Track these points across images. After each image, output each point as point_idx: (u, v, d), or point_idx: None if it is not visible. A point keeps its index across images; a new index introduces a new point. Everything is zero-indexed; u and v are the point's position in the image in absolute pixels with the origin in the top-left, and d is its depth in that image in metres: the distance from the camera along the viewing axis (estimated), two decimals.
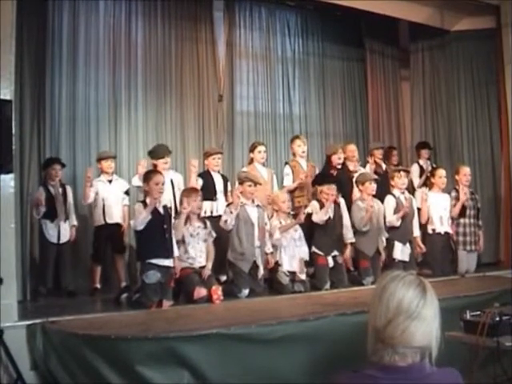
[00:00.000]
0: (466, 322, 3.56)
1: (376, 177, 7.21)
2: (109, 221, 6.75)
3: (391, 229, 7.04)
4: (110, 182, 6.88)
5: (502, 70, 8.46)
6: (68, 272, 6.64)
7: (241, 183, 6.39)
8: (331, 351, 4.22)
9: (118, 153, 7.66)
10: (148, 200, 5.58)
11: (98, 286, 6.74)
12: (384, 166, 8.25)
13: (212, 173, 7.05)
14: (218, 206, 6.84)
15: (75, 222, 6.81)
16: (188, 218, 5.96)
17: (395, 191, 7.16)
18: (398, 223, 6.99)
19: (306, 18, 9.54)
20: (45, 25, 7.12)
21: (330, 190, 6.63)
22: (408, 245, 7.08)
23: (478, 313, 3.55)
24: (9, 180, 4.63)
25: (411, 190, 8.00)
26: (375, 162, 8.24)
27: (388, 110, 9.99)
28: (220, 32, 8.70)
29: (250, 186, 6.32)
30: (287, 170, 7.44)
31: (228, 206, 6.42)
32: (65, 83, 7.44)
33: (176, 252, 5.71)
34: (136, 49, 8.01)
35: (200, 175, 6.98)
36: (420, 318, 1.72)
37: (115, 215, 6.80)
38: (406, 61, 10.04)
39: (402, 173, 7.26)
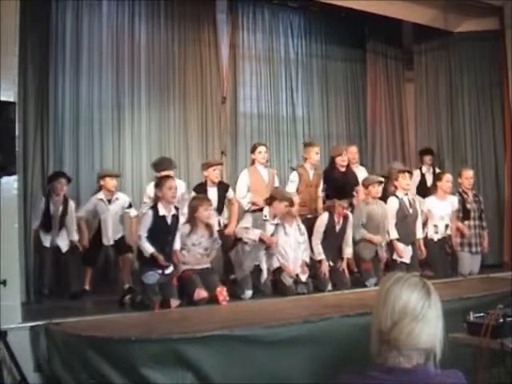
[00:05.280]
0: (470, 323, 3.55)
1: (381, 179, 7.18)
2: (105, 242, 6.68)
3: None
4: (110, 201, 6.74)
5: (505, 71, 8.45)
6: (71, 275, 6.62)
7: (279, 200, 6.30)
8: (335, 353, 4.22)
9: (121, 154, 7.70)
10: (160, 205, 5.59)
11: (87, 287, 6.67)
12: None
13: (208, 186, 6.80)
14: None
15: (75, 237, 6.68)
16: (195, 226, 5.96)
17: (398, 192, 7.12)
18: (393, 236, 6.99)
19: (309, 20, 9.54)
20: (48, 27, 7.14)
21: (340, 206, 6.64)
22: (410, 246, 7.08)
23: (482, 314, 3.54)
24: (12, 182, 4.64)
25: None
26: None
27: (391, 111, 9.99)
28: (223, 34, 8.71)
29: (286, 206, 6.29)
30: (294, 177, 7.24)
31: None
32: (68, 85, 7.46)
33: (178, 245, 5.77)
34: (139, 51, 8.02)
35: (195, 189, 6.80)
36: (425, 319, 1.72)
37: (111, 236, 6.68)
38: (409, 62, 10.05)
39: (406, 173, 7.22)
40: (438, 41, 9.38)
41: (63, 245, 6.59)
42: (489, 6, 8.45)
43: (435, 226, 7.33)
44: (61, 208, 6.60)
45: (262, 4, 9.11)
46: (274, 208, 6.32)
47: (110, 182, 6.74)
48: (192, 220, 5.97)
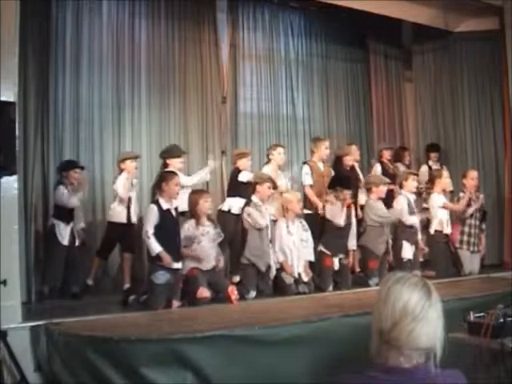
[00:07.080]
0: (470, 323, 3.55)
1: (388, 180, 7.27)
2: (134, 219, 6.62)
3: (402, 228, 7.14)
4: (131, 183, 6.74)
5: (505, 71, 8.43)
6: (79, 271, 6.61)
7: (260, 183, 6.42)
8: (335, 353, 4.21)
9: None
10: (161, 200, 5.63)
11: (91, 282, 6.65)
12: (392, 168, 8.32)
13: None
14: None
15: (83, 225, 6.80)
16: (199, 218, 5.98)
17: (407, 193, 7.24)
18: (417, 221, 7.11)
19: (310, 20, 9.53)
20: (48, 27, 7.12)
21: (346, 195, 6.67)
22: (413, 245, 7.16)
23: (482, 314, 3.54)
24: (12, 181, 4.64)
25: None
26: (383, 162, 8.27)
27: (391, 111, 9.99)
28: (223, 33, 8.70)
29: (269, 187, 6.40)
30: (307, 169, 7.38)
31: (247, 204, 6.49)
32: (68, 85, 7.44)
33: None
34: (139, 50, 8.00)
35: (235, 174, 7.07)
36: (425, 319, 1.72)
37: (136, 215, 6.69)
38: (409, 62, 10.06)
39: (415, 176, 7.43)
40: (438, 40, 9.38)
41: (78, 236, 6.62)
42: (489, 5, 8.43)
43: (447, 219, 7.47)
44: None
45: (262, 4, 9.10)
46: (259, 192, 6.38)
47: (131, 165, 6.68)
48: (195, 213, 6.00)
